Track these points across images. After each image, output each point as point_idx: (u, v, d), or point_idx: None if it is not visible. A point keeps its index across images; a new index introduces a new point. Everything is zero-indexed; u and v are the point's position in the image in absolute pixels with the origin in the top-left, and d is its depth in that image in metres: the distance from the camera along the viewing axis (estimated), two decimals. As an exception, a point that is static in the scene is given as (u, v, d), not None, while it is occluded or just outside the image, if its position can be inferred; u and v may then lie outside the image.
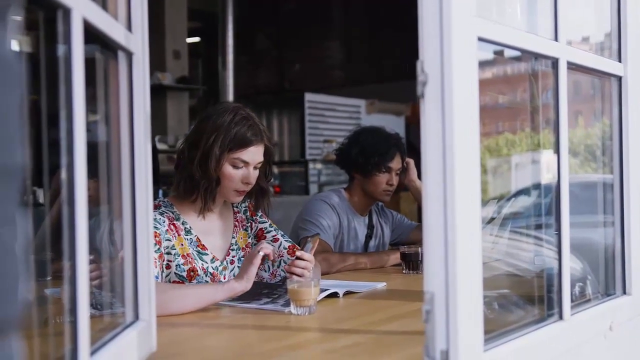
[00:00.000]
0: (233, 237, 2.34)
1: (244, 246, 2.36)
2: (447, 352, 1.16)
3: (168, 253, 2.12)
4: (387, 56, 9.29)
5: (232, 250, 2.32)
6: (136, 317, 1.37)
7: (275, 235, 2.39)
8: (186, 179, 2.19)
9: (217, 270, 2.25)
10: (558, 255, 1.52)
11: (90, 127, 1.11)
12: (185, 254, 2.17)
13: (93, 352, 1.10)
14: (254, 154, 2.20)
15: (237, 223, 2.37)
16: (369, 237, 3.12)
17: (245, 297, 2.03)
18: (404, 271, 2.66)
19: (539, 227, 1.94)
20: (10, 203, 0.57)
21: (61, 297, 1.46)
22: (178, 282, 2.15)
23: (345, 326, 1.77)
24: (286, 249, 2.34)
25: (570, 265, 1.55)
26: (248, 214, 2.41)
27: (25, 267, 0.60)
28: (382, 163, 2.97)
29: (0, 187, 0.57)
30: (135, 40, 1.36)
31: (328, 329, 1.77)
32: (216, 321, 1.83)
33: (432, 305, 1.17)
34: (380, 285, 2.34)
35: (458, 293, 1.15)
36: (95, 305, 1.43)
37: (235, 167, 2.18)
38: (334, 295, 2.10)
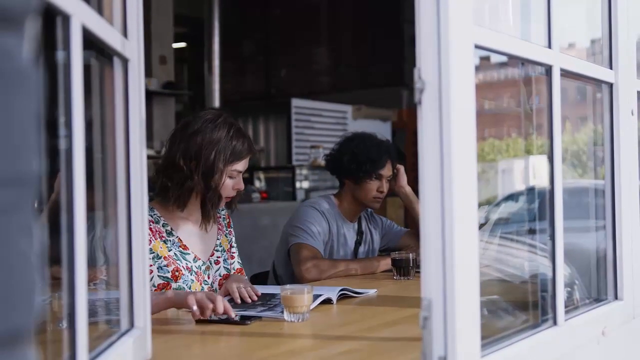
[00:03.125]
0: (218, 239, 2.41)
1: (227, 249, 2.45)
2: (445, 359, 1.16)
3: None
4: (373, 62, 9.33)
5: (217, 250, 2.40)
6: (131, 324, 1.36)
7: (234, 253, 2.50)
8: (187, 192, 2.24)
9: (201, 269, 2.30)
10: (552, 261, 1.53)
11: (86, 133, 1.11)
12: (166, 256, 2.22)
13: (90, 361, 1.09)
14: (246, 163, 2.33)
15: (220, 227, 2.46)
16: (358, 243, 3.12)
17: (241, 306, 2.03)
18: (394, 277, 2.66)
19: (529, 232, 1.94)
20: (27, 212, 0.57)
21: (51, 305, 1.45)
22: (163, 284, 2.19)
23: (340, 333, 1.77)
24: (234, 270, 2.43)
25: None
26: (226, 222, 2.51)
27: (39, 275, 0.60)
28: (374, 170, 2.97)
29: (17, 196, 0.56)
30: (131, 46, 1.35)
31: (322, 335, 1.76)
32: (210, 328, 1.82)
33: (430, 311, 1.17)
34: (372, 292, 2.34)
35: (456, 299, 1.15)
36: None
37: (230, 177, 2.28)
38: (328, 301, 2.10)
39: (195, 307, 1.80)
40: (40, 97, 0.60)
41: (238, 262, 2.50)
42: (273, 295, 2.18)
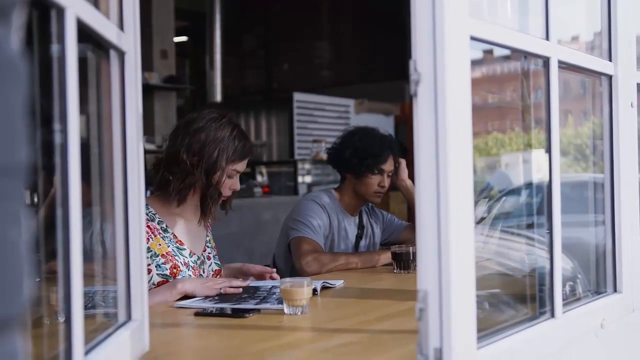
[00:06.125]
0: (207, 236, 2.46)
1: (214, 246, 2.49)
2: (440, 350, 1.16)
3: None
4: (375, 56, 9.32)
5: (208, 247, 2.44)
6: (129, 317, 1.36)
7: (211, 253, 2.49)
8: (187, 187, 2.27)
9: (196, 264, 2.34)
10: (549, 253, 1.53)
11: (82, 128, 1.11)
12: (164, 253, 2.25)
13: (87, 352, 1.09)
14: (245, 164, 2.37)
15: (208, 225, 2.49)
16: (359, 237, 3.12)
17: (232, 300, 2.03)
18: (394, 271, 2.66)
19: (529, 226, 1.95)
20: (16, 201, 0.58)
21: (49, 298, 1.45)
22: (162, 282, 2.21)
23: (338, 325, 1.77)
24: (213, 271, 2.43)
25: (561, 265, 1.56)
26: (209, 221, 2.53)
27: (29, 264, 0.60)
28: (375, 165, 2.97)
29: (6, 185, 0.57)
30: (127, 39, 1.35)
31: (321, 328, 1.76)
32: (209, 321, 1.82)
33: (426, 303, 1.17)
34: (339, 283, 2.35)
35: (452, 291, 1.15)
36: (86, 305, 1.43)
37: (229, 176, 2.31)
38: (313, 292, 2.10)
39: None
40: (28, 88, 0.61)
41: (216, 263, 2.50)
42: (257, 288, 2.19)
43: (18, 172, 0.58)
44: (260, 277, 2.41)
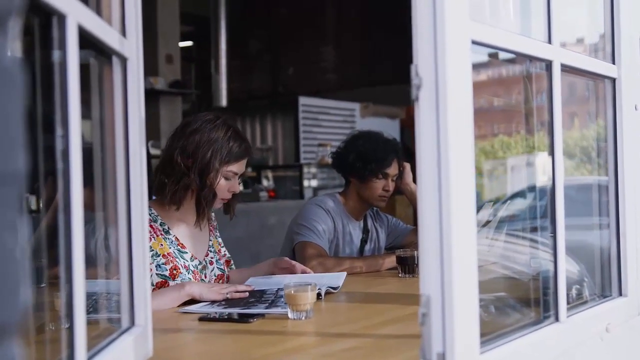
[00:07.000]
0: (210, 240, 2.45)
1: (218, 250, 2.49)
2: (443, 355, 1.16)
3: None
4: (380, 59, 9.31)
5: (211, 251, 2.44)
6: (132, 322, 1.37)
7: (223, 249, 2.53)
8: (182, 189, 2.27)
9: (197, 268, 2.34)
10: (554, 257, 1.52)
11: (84, 133, 1.11)
12: (165, 254, 2.25)
13: (89, 358, 1.09)
14: (243, 165, 2.36)
15: (211, 229, 2.50)
16: (364, 241, 3.12)
17: (240, 305, 2.03)
18: (399, 275, 2.65)
19: (534, 229, 1.94)
20: (12, 208, 0.58)
21: (54, 304, 1.46)
22: (162, 282, 2.22)
23: (342, 330, 1.77)
24: (215, 276, 2.44)
25: (567, 268, 1.56)
26: (216, 225, 2.54)
27: (26, 271, 0.60)
28: (379, 169, 2.97)
29: (2, 192, 0.57)
30: (130, 45, 1.36)
31: (325, 333, 1.76)
32: (212, 327, 1.82)
33: (429, 308, 1.17)
34: (342, 278, 2.37)
35: (454, 295, 1.15)
36: (89, 310, 1.43)
37: (226, 178, 2.31)
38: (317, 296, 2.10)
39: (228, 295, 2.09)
40: (27, 95, 0.61)
41: (224, 260, 2.52)
42: (263, 292, 2.19)
43: (15, 180, 0.58)
44: (291, 271, 2.45)
